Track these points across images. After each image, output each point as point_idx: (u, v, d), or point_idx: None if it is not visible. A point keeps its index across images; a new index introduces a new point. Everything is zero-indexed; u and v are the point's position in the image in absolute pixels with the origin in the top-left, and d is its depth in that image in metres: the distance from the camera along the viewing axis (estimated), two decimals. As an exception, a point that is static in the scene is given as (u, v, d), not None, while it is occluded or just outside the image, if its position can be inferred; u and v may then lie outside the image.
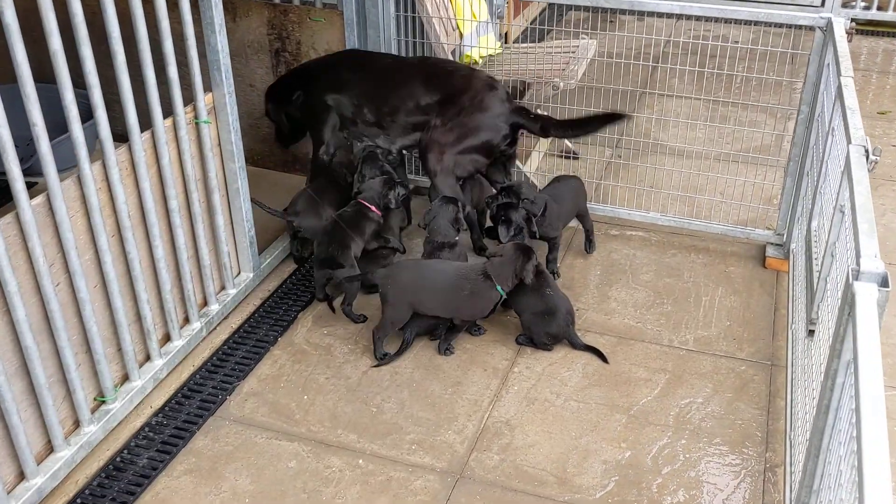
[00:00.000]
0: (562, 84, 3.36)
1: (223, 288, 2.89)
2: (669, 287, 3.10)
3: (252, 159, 3.96)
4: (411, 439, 2.42)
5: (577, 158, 3.96)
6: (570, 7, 6.24)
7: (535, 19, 6.07)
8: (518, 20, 5.82)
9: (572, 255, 3.29)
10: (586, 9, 3.90)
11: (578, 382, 2.63)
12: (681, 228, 3.40)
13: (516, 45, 3.89)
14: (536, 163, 3.84)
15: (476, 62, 3.64)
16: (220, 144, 2.73)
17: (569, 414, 2.51)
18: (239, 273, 2.98)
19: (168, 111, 2.46)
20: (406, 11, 3.46)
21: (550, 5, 6.33)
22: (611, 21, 6.00)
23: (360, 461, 2.35)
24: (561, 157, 3.98)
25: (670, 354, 2.76)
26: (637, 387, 2.62)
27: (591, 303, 3.02)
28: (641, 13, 4.96)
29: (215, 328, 2.85)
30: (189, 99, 2.56)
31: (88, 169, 2.15)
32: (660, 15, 4.68)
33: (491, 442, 2.41)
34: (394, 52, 3.46)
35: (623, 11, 4.80)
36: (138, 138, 2.31)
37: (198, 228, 2.65)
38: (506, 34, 5.37)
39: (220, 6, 2.55)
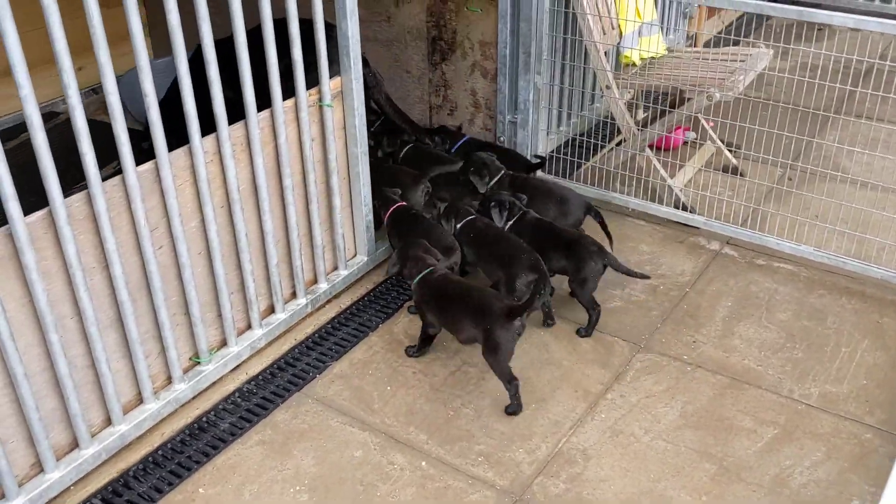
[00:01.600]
0: (717, 95, 3.10)
1: (335, 268, 2.95)
2: (806, 331, 2.79)
3: (403, 143, 4.00)
4: (479, 450, 2.35)
5: (743, 176, 3.66)
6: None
7: (731, 23, 5.68)
8: (713, 21, 5.47)
9: (704, 281, 3.04)
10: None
11: (673, 421, 2.43)
12: (836, 267, 3.04)
13: (683, 49, 3.64)
14: (688, 176, 3.58)
15: (634, 64, 3.44)
16: (344, 128, 2.77)
17: (653, 453, 2.33)
18: (355, 255, 3.03)
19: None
20: (562, 6, 3.33)
21: (754, 8, 5.91)
22: (819, 29, 5.48)
23: (423, 463, 2.31)
24: (721, 172, 3.69)
25: (786, 407, 2.48)
26: (738, 436, 2.38)
27: (711, 336, 2.78)
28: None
29: (323, 306, 2.92)
30: (316, 82, 2.61)
31: (198, 141, 2.24)
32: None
33: (561, 468, 2.29)
34: (545, 48, 3.35)
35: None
36: (254, 117, 2.38)
37: (312, 208, 2.71)
38: (695, 36, 5.07)
39: (354, -9, 2.57)
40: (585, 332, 2.78)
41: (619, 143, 3.50)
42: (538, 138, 3.55)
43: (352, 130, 2.77)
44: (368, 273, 3.10)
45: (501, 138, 3.62)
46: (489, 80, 3.59)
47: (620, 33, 3.43)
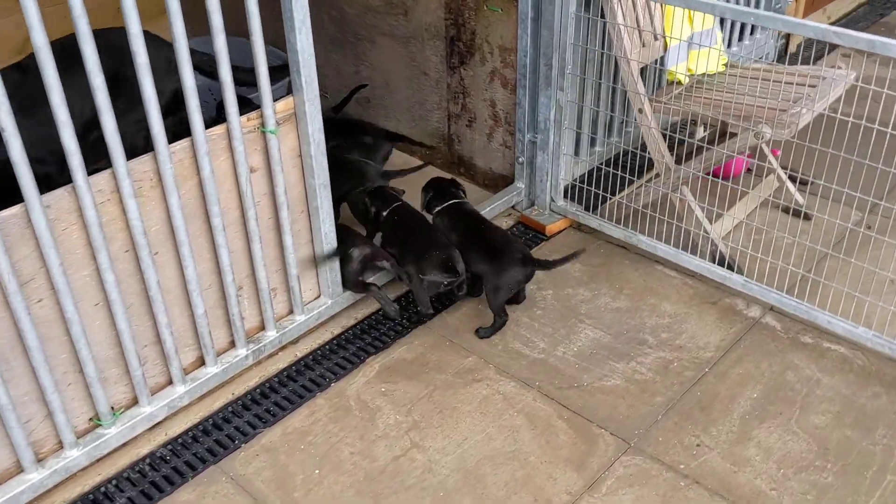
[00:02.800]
0: (768, 133, 2.50)
1: (291, 312, 2.57)
2: (846, 444, 2.22)
3: (421, 152, 3.58)
4: (395, 574, 1.94)
5: (808, 218, 3.04)
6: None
7: (840, 19, 4.90)
8: (818, 16, 4.71)
9: (730, 360, 2.50)
10: None
11: (646, 558, 1.95)
12: (902, 359, 2.44)
13: (746, 65, 3.02)
14: (736, 220, 2.99)
15: (680, 82, 2.87)
16: (300, 156, 2.37)
17: None
18: (318, 297, 2.64)
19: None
20: (589, 13, 2.78)
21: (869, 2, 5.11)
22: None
23: (325, 583, 1.92)
24: (781, 212, 3.08)
25: (796, 557, 1.95)
26: (723, 593, 1.87)
27: (722, 439, 2.25)
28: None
29: (276, 353, 2.55)
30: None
31: (83, 180, 1.88)
32: None
33: None
34: (569, 60, 2.82)
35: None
36: (164, 149, 2.01)
37: (255, 248, 2.33)
38: (785, 43, 4.37)
39: (303, -1, 2.14)
40: (485, 333, 2.63)
41: (650, 179, 2.95)
42: (560, 163, 3.04)
43: (308, 159, 2.36)
44: (336, 316, 2.71)
45: (521, 159, 3.13)
46: (509, 91, 3.09)
47: (665, 45, 2.86)
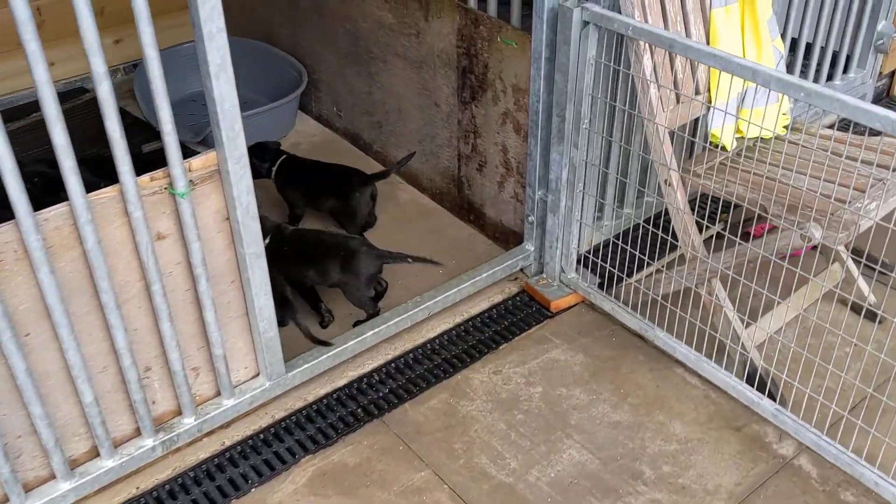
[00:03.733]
0: (818, 235, 1.95)
1: (218, 394, 2.18)
2: None
3: (430, 192, 3.13)
4: None
5: (882, 322, 2.45)
6: None
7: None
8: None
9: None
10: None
11: None
12: (973, 546, 1.86)
13: (810, 129, 2.42)
14: (782, 321, 2.42)
15: (724, 148, 2.32)
16: (227, 220, 1.96)
17: None
18: (256, 376, 2.24)
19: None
20: (611, 61, 2.26)
21: None
22: None
23: None
24: (850, 310, 2.49)
25: None
26: None
27: None
28: None
29: (199, 440, 2.18)
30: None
31: (-90, 258, 1.53)
32: None
33: None
34: (585, 113, 2.31)
35: None
36: (26, 217, 1.63)
37: (163, 326, 1.94)
38: (889, 83, 3.71)
39: (220, 38, 1.73)
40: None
41: (672, 264, 2.42)
42: (572, 230, 2.54)
43: (235, 225, 1.96)
44: (282, 397, 2.31)
45: (531, 218, 2.64)
46: (522, 137, 2.61)
47: (709, 98, 2.31)
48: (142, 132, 3.55)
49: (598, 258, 2.60)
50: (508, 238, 2.86)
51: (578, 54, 2.23)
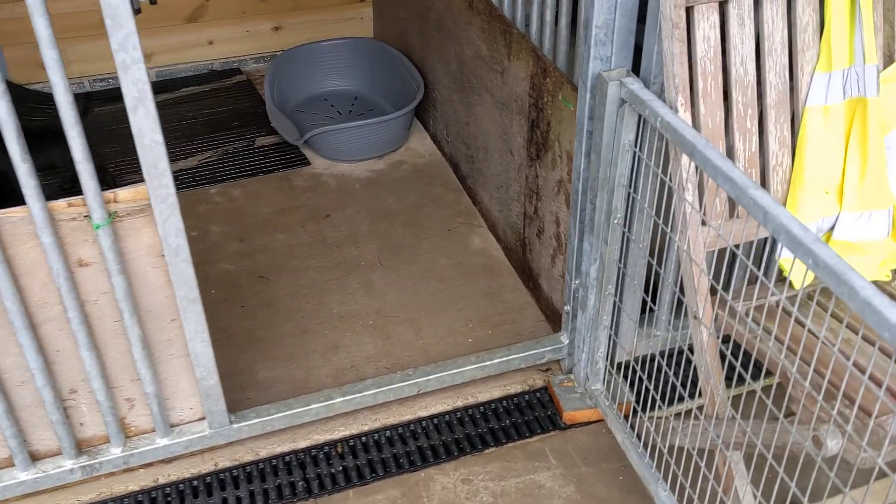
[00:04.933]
0: (832, 445, 1.40)
1: (153, 431, 2.06)
2: None
3: (503, 244, 2.81)
4: None
5: None
6: None
7: None
8: None
9: None
10: None
11: None
12: None
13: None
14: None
15: (792, 286, 1.78)
16: (162, 256, 1.81)
17: None
18: (201, 420, 2.09)
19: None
20: (648, 151, 1.79)
21: None
22: None
23: None
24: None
25: None
26: None
27: None
28: None
29: (133, 470, 2.09)
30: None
31: None
32: None
33: None
34: (616, 205, 1.87)
35: None
36: (-82, 227, 1.59)
37: (83, 353, 1.84)
38: None
39: (138, 70, 1.56)
40: None
41: (690, 413, 1.91)
42: (599, 337, 2.11)
43: (174, 261, 1.80)
44: (230, 446, 2.15)
45: (567, 308, 2.24)
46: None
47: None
48: (259, 125, 3.54)
49: (628, 373, 2.15)
50: (557, 319, 2.47)
51: (614, 136, 1.80)
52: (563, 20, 2.12)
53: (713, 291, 1.74)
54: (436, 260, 2.81)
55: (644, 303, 2.12)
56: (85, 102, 3.68)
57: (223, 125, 3.59)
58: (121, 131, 3.53)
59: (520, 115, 2.45)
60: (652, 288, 2.16)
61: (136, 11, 1.49)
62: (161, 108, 3.75)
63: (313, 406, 2.14)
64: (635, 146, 1.79)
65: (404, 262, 2.80)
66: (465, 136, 3.01)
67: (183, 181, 3.22)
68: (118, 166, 3.26)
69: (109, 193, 1.70)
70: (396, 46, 3.60)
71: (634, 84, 1.71)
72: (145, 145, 1.63)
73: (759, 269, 1.82)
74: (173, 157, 3.34)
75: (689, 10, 1.63)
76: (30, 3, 1.43)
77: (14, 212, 1.66)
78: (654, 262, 1.88)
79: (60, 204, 1.68)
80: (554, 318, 2.50)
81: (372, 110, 3.63)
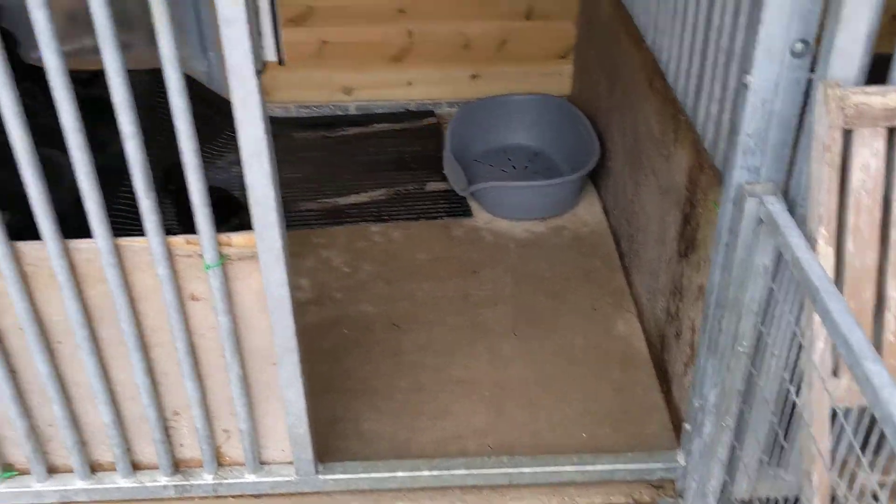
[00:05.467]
0: None
1: (244, 465, 2.10)
2: None
3: (647, 334, 2.64)
4: None
5: None
6: None
7: None
8: None
9: None
10: None
11: None
12: None
13: None
14: None
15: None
16: (264, 300, 1.84)
17: None
18: (290, 463, 2.10)
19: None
20: (779, 289, 1.56)
21: None
22: None
23: None
24: None
25: None
26: None
27: None
28: None
29: (224, 498, 2.15)
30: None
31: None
32: None
33: None
34: (743, 331, 1.66)
35: None
36: (53, 243, 1.71)
37: (186, 382, 1.92)
38: None
39: (256, 128, 1.59)
40: None
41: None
42: (712, 469, 1.89)
43: (274, 311, 1.83)
44: (315, 495, 2.15)
45: (687, 426, 2.04)
46: (707, 325, 2.00)
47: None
48: (434, 169, 3.58)
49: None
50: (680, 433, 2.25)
51: (748, 256, 1.61)
52: (727, 115, 1.93)
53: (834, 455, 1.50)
54: (572, 338, 2.68)
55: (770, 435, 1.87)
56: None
57: (402, 165, 3.66)
58: (307, 157, 3.71)
59: (676, 207, 2.27)
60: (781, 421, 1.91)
61: (259, 72, 1.53)
62: (351, 140, 3.95)
63: (399, 474, 2.10)
64: (770, 275, 1.58)
65: (538, 334, 2.69)
66: (629, 213, 2.86)
67: (349, 216, 3.31)
68: (296, 191, 3.42)
69: (224, 237, 1.75)
70: (587, 108, 3.50)
71: (774, 205, 1.51)
72: (256, 197, 1.67)
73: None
74: (347, 190, 3.46)
75: (847, 133, 1.42)
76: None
77: (136, 241, 1.76)
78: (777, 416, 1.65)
79: (178, 240, 1.76)
80: (679, 429, 2.29)
81: (549, 169, 3.55)
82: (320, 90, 4.07)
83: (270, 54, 1.56)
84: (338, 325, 2.75)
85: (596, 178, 3.36)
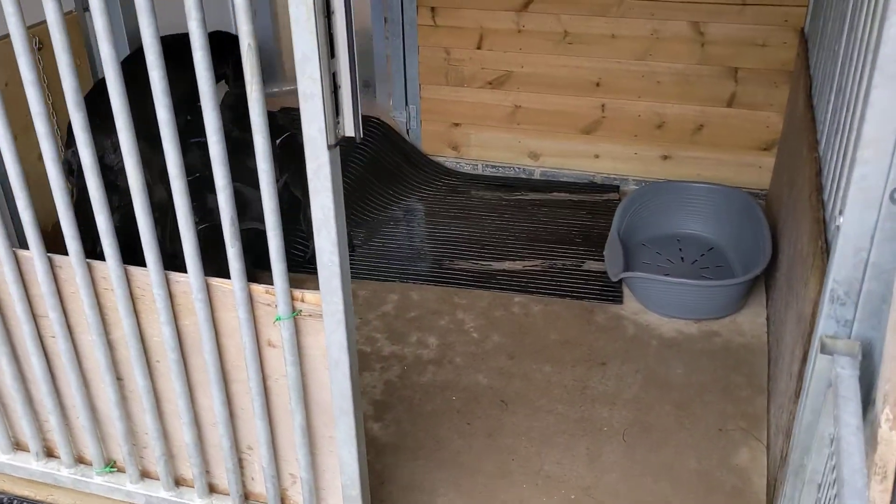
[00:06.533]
0: None
1: (303, 509, 2.15)
2: None
3: (768, 477, 2.39)
4: None
5: None
6: None
7: None
8: None
9: None
10: None
11: None
12: None
13: None
14: None
15: None
16: (326, 357, 1.88)
17: None
18: (345, 520, 2.13)
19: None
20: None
21: None
22: None
23: None
24: None
25: None
26: None
27: None
28: None
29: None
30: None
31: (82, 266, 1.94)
32: None
33: None
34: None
35: None
36: (156, 274, 1.88)
37: (257, 422, 2.01)
38: None
39: (330, 211, 1.65)
40: None
41: None
42: None
43: (334, 372, 1.87)
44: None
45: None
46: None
47: None
48: (597, 248, 3.48)
49: None
50: None
51: (815, 420, 1.40)
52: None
53: None
54: (683, 457, 2.47)
55: None
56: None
57: (566, 238, 3.61)
58: (478, 217, 3.76)
59: (801, 341, 2.03)
60: None
61: (332, 146, 1.58)
62: (526, 206, 3.97)
63: (446, 559, 2.04)
64: (833, 448, 1.36)
65: (648, 445, 2.51)
66: (780, 332, 2.59)
67: (498, 282, 3.31)
68: (456, 249, 3.49)
69: (298, 292, 1.83)
70: (773, 207, 3.25)
71: (844, 368, 1.31)
72: (323, 262, 1.73)
73: None
74: (504, 255, 3.46)
75: (932, 303, 1.20)
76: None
77: (224, 283, 1.89)
78: None
79: (259, 288, 1.86)
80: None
81: (720, 267, 3.32)
82: (508, 152, 4.13)
83: (349, 130, 1.62)
84: (448, 389, 2.75)
85: (768, 285, 3.09)
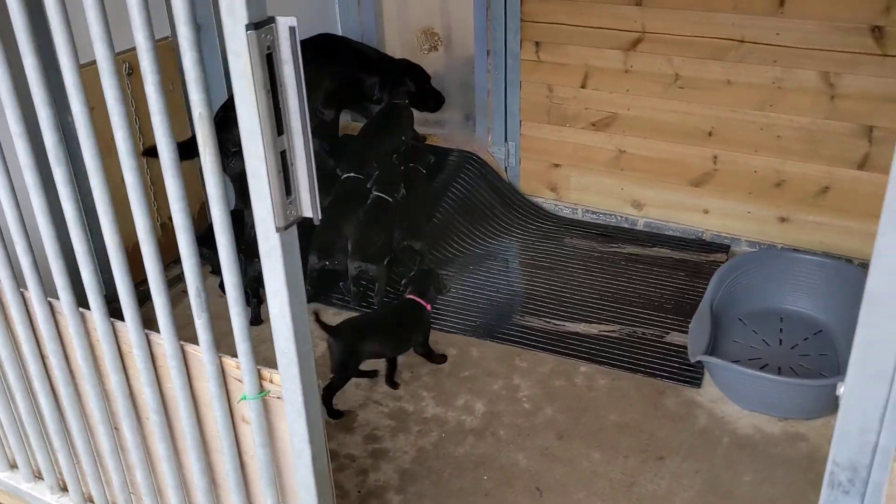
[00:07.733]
0: None
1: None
2: None
3: None
4: None
5: None
6: None
7: None
8: None
9: None
10: None
11: None
12: None
13: None
14: None
15: None
16: (288, 436, 1.73)
17: None
18: None
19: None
20: None
21: None
22: None
23: None
24: None
25: None
26: None
27: None
28: None
29: None
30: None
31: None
32: None
33: None
34: None
35: None
36: (136, 334, 1.81)
37: (232, 496, 1.90)
38: None
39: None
40: None
41: None
42: None
43: (297, 462, 1.72)
44: None
45: None
46: None
47: None
48: (685, 318, 3.13)
49: None
50: None
51: None
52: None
53: None
54: (728, 588, 2.12)
55: None
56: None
57: (655, 303, 3.28)
58: (563, 267, 3.51)
59: None
60: None
61: (282, 228, 1.43)
62: (619, 260, 3.69)
63: None
64: None
65: (690, 567, 2.19)
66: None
67: (566, 345, 3.05)
68: (530, 304, 3.27)
69: (266, 371, 1.69)
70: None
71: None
72: (281, 349, 1.58)
73: None
74: (581, 315, 3.21)
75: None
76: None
77: (195, 349, 1.78)
78: None
79: (230, 362, 1.74)
80: None
81: (824, 356, 2.89)
82: (610, 198, 3.85)
83: (306, 210, 1.46)
84: (482, 467, 2.53)
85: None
